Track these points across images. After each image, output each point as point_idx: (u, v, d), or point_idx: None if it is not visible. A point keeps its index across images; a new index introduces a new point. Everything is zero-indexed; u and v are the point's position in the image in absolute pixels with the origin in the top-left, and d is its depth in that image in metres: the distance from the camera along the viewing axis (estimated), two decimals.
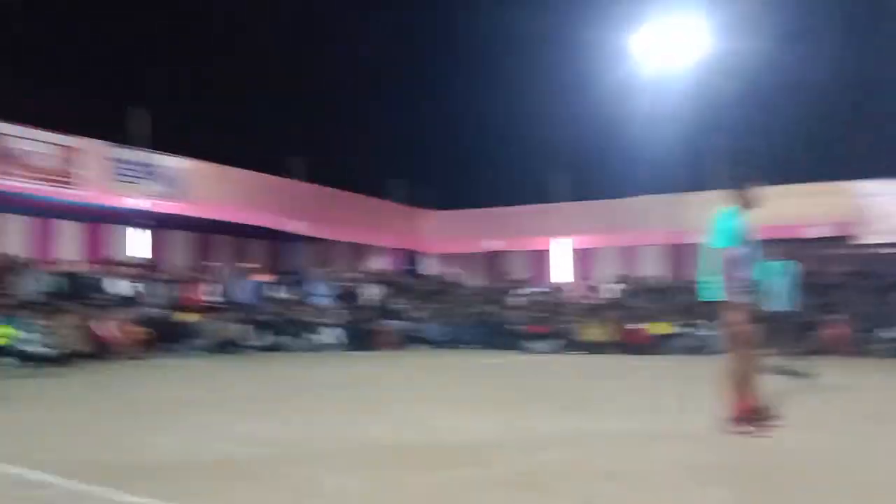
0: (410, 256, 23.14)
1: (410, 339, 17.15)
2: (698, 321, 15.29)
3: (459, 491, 3.78)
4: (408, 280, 20.93)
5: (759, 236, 5.64)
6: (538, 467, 4.31)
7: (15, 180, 12.60)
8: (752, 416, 5.26)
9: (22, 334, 11.34)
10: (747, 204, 5.52)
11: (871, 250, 17.31)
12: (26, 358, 11.03)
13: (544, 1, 21.56)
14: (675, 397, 7.75)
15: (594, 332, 15.55)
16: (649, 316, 15.94)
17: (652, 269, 19.67)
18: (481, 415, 6.47)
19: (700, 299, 5.56)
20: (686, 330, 15.42)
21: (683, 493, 3.77)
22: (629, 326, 15.43)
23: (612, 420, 6.11)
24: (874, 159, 16.71)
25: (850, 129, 17.72)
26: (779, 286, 9.55)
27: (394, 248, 22.11)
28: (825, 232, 16.80)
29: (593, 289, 19.43)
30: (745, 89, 17.11)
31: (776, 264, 9.77)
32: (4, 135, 12.48)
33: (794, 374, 9.27)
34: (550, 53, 21.49)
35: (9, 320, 11.83)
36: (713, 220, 5.47)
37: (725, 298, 5.31)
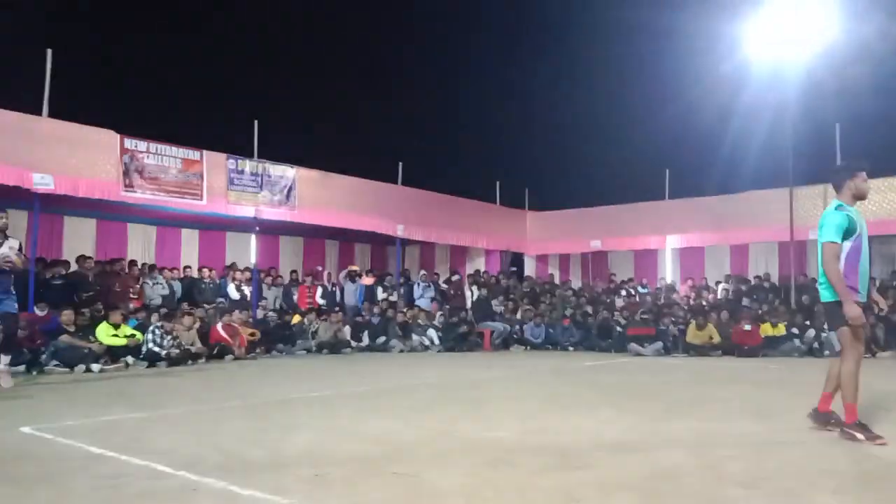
0: (512, 257, 23.13)
1: (510, 341, 17.13)
2: (813, 321, 14.50)
3: (582, 496, 3.67)
4: (508, 281, 20.92)
5: (877, 230, 5.34)
6: (661, 471, 4.19)
7: (146, 193, 13.49)
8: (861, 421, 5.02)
9: (145, 336, 12.15)
10: (856, 196, 5.25)
11: None
12: (149, 358, 11.81)
13: None
14: (788, 401, 7.41)
15: (701, 334, 14.93)
16: (760, 317, 15.21)
17: (764, 267, 18.79)
18: (591, 416, 6.39)
19: (822, 299, 5.30)
20: (800, 331, 14.64)
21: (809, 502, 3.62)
22: (738, 328, 14.75)
23: (727, 423, 5.93)
24: None
25: None
26: None
27: (495, 250, 22.16)
28: None
29: (700, 289, 18.77)
30: (868, 75, 16.07)
31: None
32: (137, 151, 13.38)
33: None
34: (656, 46, 21.03)
35: (133, 323, 12.75)
36: (824, 215, 5.24)
37: (836, 296, 5.06)
